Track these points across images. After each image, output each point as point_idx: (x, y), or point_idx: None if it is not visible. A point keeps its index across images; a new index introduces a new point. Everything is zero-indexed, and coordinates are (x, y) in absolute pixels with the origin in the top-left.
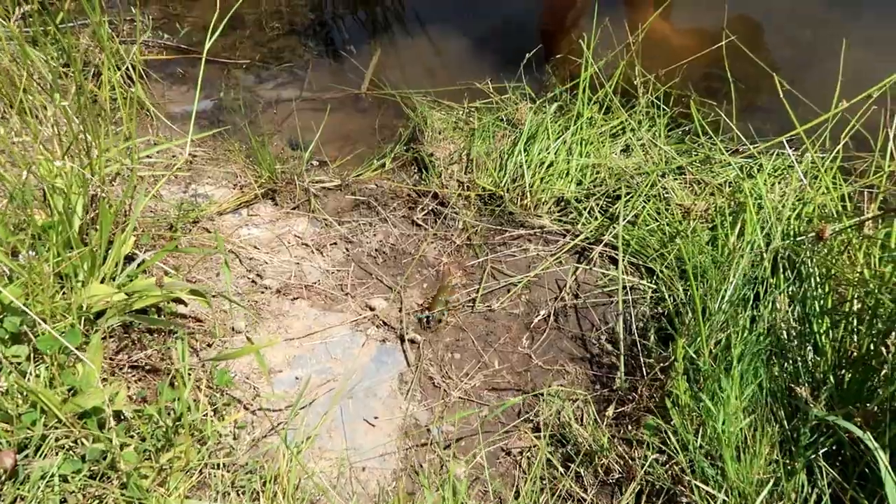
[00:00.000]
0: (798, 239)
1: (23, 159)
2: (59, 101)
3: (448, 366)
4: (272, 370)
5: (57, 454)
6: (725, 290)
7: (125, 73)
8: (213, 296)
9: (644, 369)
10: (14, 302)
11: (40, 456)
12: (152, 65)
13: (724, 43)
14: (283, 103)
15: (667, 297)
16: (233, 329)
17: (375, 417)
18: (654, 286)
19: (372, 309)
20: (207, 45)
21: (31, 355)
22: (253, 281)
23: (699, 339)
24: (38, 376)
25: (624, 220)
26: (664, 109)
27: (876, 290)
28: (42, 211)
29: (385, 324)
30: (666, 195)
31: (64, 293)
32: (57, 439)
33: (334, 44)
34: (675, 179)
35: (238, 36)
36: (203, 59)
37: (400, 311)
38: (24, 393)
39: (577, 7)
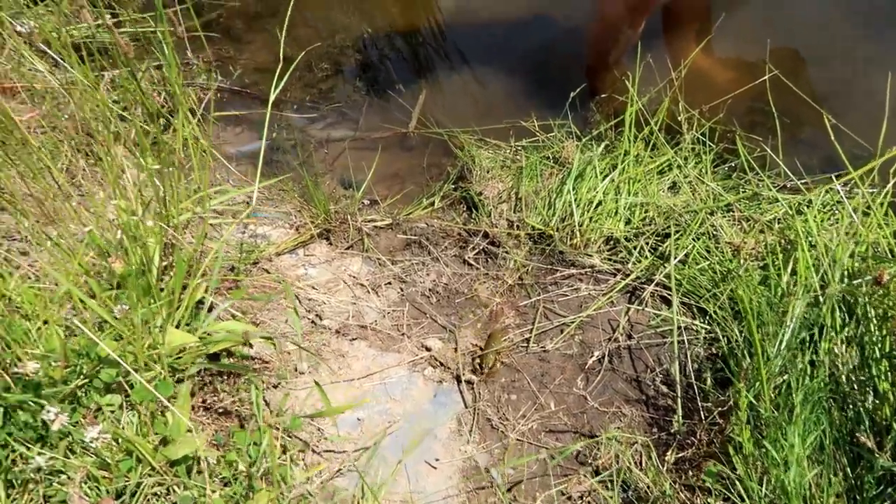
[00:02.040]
0: (855, 282)
1: (103, 210)
2: (148, 165)
3: (505, 407)
4: (325, 414)
5: (149, 501)
6: (783, 334)
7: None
8: (276, 338)
9: (702, 413)
10: (111, 355)
11: (136, 502)
12: (206, 106)
13: (767, 77)
14: (333, 143)
15: (721, 338)
16: (296, 370)
17: (437, 459)
18: (708, 327)
19: (428, 349)
20: (273, 96)
21: (123, 404)
22: (313, 322)
23: (758, 384)
24: (130, 423)
25: (675, 259)
26: (709, 145)
27: None
28: (120, 259)
29: (441, 364)
30: (715, 233)
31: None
32: (150, 486)
33: (381, 84)
34: (724, 217)
35: (289, 77)
36: (269, 107)
37: (455, 351)
38: (119, 441)
39: (621, 44)
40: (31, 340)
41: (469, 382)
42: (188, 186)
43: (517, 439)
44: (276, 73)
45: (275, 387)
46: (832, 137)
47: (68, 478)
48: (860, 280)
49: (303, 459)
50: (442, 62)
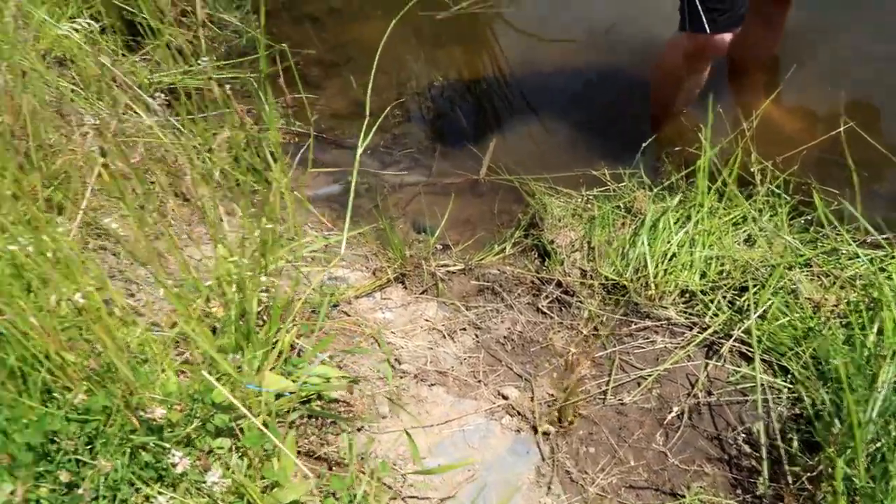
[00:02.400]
0: None
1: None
2: (247, 215)
3: (584, 460)
4: (415, 464)
5: None
6: (874, 399)
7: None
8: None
9: (788, 476)
10: (230, 400)
11: None
12: (285, 150)
13: (842, 128)
14: (405, 188)
15: (805, 399)
16: (377, 413)
17: None
18: (791, 386)
19: (505, 398)
20: (361, 147)
21: (233, 447)
22: (392, 366)
23: (850, 451)
24: (238, 467)
25: (755, 313)
26: (785, 198)
27: None
28: (220, 305)
29: (518, 413)
30: (794, 288)
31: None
32: None
33: (452, 131)
34: (802, 272)
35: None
36: (357, 156)
37: (532, 400)
38: (231, 484)
39: (683, 93)
40: (151, 385)
41: (546, 433)
42: (282, 234)
43: (597, 493)
44: (364, 125)
45: (358, 430)
46: None
47: None
48: None
49: None
50: (511, 111)
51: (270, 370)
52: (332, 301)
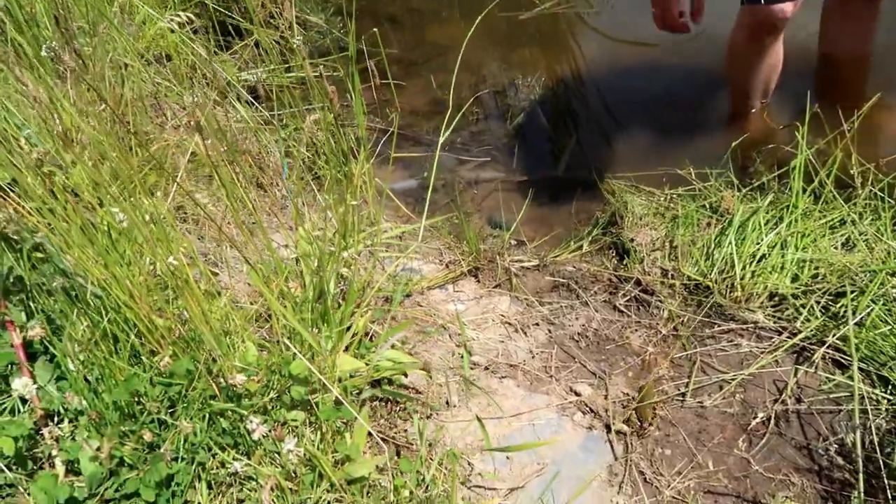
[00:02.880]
0: None
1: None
2: (346, 202)
3: (658, 462)
4: (484, 448)
5: None
6: None
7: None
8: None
9: (888, 492)
10: (312, 371)
11: None
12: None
13: None
14: (482, 184)
15: None
16: (447, 402)
17: None
18: (891, 397)
19: (577, 394)
20: (441, 140)
21: (307, 420)
22: (462, 356)
23: None
24: (311, 440)
25: (853, 320)
26: (889, 201)
27: None
28: (299, 286)
29: (592, 411)
30: None
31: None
32: (329, 502)
33: (529, 129)
34: None
35: (440, 119)
36: (437, 153)
37: (605, 398)
38: (304, 455)
39: (756, 74)
40: (232, 355)
41: (620, 432)
42: (361, 221)
43: (672, 497)
44: (446, 119)
45: (427, 417)
46: None
47: (259, 485)
48: None
49: (458, 493)
50: (590, 111)
51: (344, 351)
52: (406, 291)
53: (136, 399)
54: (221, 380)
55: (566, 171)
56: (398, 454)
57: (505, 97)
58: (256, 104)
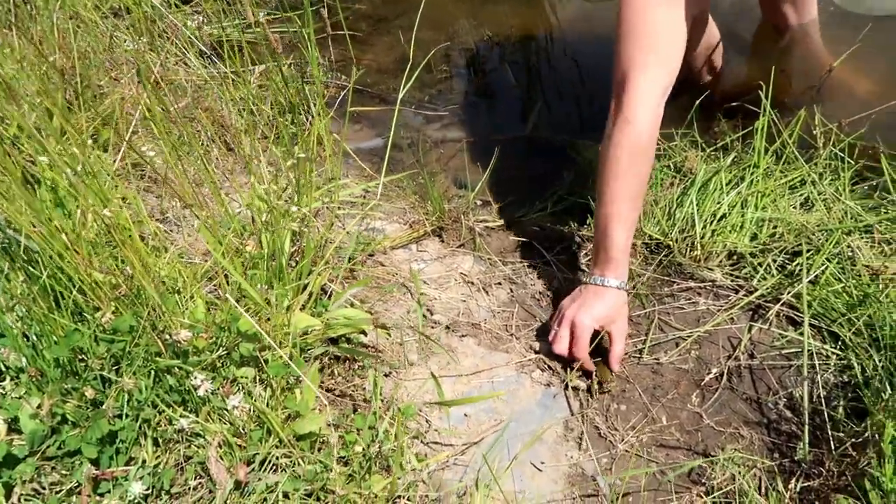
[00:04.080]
0: None
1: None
2: (284, 154)
3: (614, 417)
4: (439, 402)
5: (276, 471)
6: None
7: (307, 111)
8: (392, 328)
9: (832, 443)
10: (256, 329)
11: (264, 471)
12: (329, 103)
13: None
14: (448, 143)
15: (855, 366)
16: (407, 361)
17: (542, 463)
18: (840, 353)
19: (537, 352)
20: (401, 95)
21: (257, 377)
22: (424, 316)
23: None
24: (261, 397)
25: (807, 278)
26: (848, 162)
27: None
28: (254, 242)
29: (549, 368)
30: (851, 255)
31: (268, 320)
32: (277, 458)
33: (498, 88)
34: (862, 238)
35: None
36: (397, 108)
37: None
38: (252, 411)
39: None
40: (180, 312)
41: (576, 388)
42: (319, 177)
43: (626, 450)
44: (405, 74)
45: (386, 375)
46: None
47: (207, 441)
48: None
49: (412, 448)
50: (559, 72)
51: (301, 309)
52: (368, 250)
53: (79, 356)
54: (167, 336)
55: (533, 131)
56: (354, 410)
57: (474, 55)
58: (217, 60)
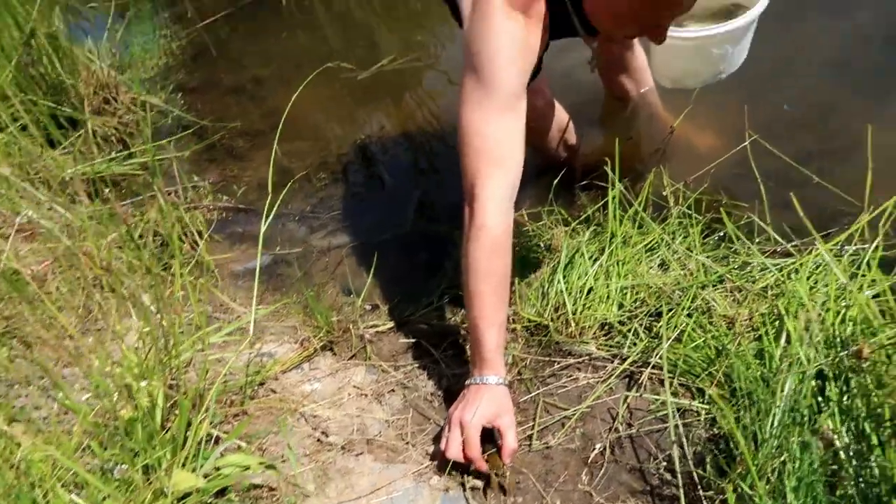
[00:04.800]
0: (839, 354)
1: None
2: (142, 326)
3: None
4: None
5: None
6: (773, 413)
7: (191, 239)
8: (284, 461)
9: (704, 503)
10: None
11: None
12: (214, 227)
13: (748, 142)
14: (334, 250)
15: (719, 419)
16: (303, 494)
17: None
18: (707, 407)
19: (432, 458)
20: (263, 227)
21: None
22: (318, 440)
23: (751, 472)
24: None
25: (668, 340)
26: (696, 218)
27: None
28: (126, 405)
29: (447, 472)
30: (708, 307)
31: (150, 483)
32: None
33: (377, 187)
34: (715, 289)
35: (288, 190)
36: (261, 234)
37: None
38: None
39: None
40: None
41: (475, 489)
42: (189, 325)
43: None
44: (267, 202)
45: None
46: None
47: None
48: (846, 352)
49: None
50: (434, 161)
51: (182, 467)
52: (258, 380)
53: None
54: None
55: (412, 226)
56: None
57: (352, 158)
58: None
